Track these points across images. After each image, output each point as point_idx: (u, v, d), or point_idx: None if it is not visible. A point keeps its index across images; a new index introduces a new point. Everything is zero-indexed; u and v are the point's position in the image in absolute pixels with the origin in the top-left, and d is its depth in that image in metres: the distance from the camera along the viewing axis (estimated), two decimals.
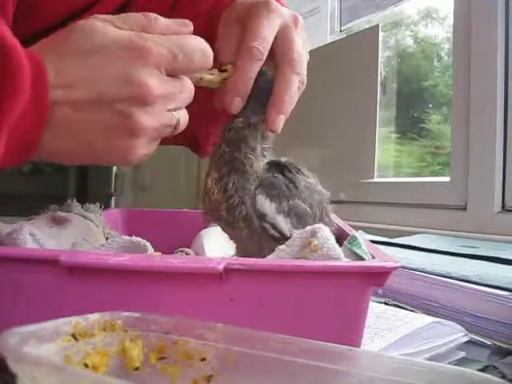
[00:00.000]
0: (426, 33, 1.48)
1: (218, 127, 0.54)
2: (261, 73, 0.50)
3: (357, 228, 0.60)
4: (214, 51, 0.49)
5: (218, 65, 0.50)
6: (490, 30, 1.04)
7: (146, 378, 0.30)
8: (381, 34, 1.43)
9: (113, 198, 2.93)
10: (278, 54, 0.50)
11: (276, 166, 0.52)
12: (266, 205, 0.49)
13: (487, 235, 0.99)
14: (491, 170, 1.03)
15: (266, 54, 0.49)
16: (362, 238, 0.46)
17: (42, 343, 0.26)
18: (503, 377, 0.46)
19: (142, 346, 0.30)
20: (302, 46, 0.52)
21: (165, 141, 0.54)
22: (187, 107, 0.46)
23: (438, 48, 1.42)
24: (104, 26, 0.39)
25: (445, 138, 1.32)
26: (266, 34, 0.49)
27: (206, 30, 0.58)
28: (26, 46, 0.38)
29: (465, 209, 1.09)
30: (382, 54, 1.45)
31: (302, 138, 1.60)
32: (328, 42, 1.59)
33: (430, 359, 0.46)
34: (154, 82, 0.39)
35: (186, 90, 0.43)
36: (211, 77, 0.48)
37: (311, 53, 0.54)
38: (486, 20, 1.05)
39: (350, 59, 1.48)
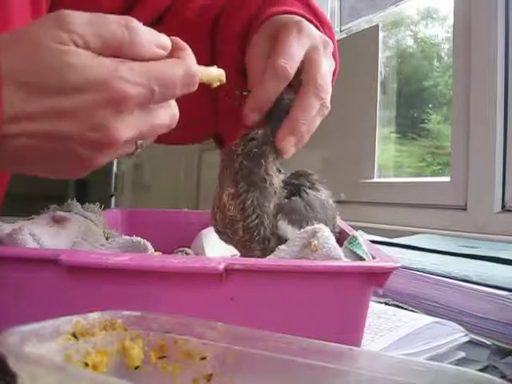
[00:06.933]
0: (426, 33, 1.48)
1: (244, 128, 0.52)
2: (287, 92, 0.48)
3: (357, 228, 0.60)
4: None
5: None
6: (489, 30, 1.04)
7: (146, 376, 0.30)
8: (381, 34, 1.43)
9: (113, 198, 2.93)
10: (303, 76, 0.49)
11: (291, 185, 0.51)
12: (289, 230, 0.48)
13: (487, 235, 1.00)
14: (491, 170, 1.03)
15: (292, 72, 0.48)
16: (362, 238, 0.46)
17: (42, 342, 0.26)
18: (503, 377, 0.46)
19: (142, 344, 0.30)
20: (328, 70, 0.51)
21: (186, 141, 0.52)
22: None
23: (438, 48, 1.42)
24: (77, 55, 0.33)
25: (445, 138, 1.32)
26: (294, 53, 0.48)
27: (239, 45, 0.57)
28: None
29: (465, 209, 1.09)
30: (382, 54, 1.45)
31: None
32: None
33: (429, 359, 0.46)
34: (124, 128, 0.35)
35: (159, 121, 0.38)
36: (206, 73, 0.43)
37: None
38: (485, 20, 1.05)
39: (350, 59, 1.48)
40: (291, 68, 0.47)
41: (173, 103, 0.39)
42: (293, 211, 0.48)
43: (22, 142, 0.35)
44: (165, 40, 0.37)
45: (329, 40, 0.52)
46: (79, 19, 0.34)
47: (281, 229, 0.48)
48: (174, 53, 0.37)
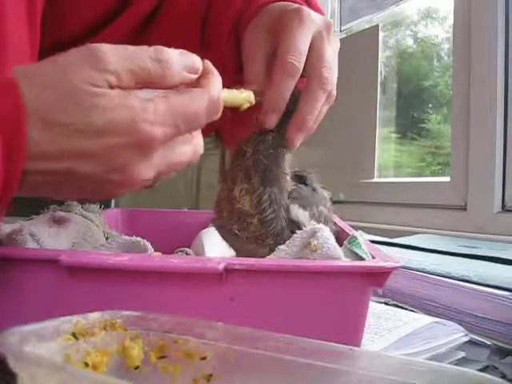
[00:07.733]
0: (426, 33, 1.48)
1: (244, 128, 0.52)
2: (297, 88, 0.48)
3: (357, 228, 0.60)
4: (240, 63, 0.48)
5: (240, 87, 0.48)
6: (489, 30, 1.04)
7: (146, 376, 0.30)
8: (381, 34, 1.43)
9: (113, 198, 2.93)
10: (308, 69, 0.48)
11: (296, 177, 0.52)
12: (300, 213, 0.49)
13: (487, 235, 1.00)
14: (491, 170, 1.03)
15: (301, 68, 0.47)
16: (362, 237, 0.46)
17: (42, 342, 0.26)
18: (503, 377, 0.46)
19: (142, 344, 0.30)
20: (333, 57, 0.50)
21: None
22: None
23: (438, 48, 1.42)
24: (105, 97, 0.33)
25: (445, 138, 1.32)
26: (301, 46, 0.47)
27: (231, 42, 0.56)
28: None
29: (465, 209, 1.09)
30: (382, 54, 1.45)
31: None
32: None
33: (429, 359, 0.46)
34: (145, 169, 0.36)
35: (180, 158, 0.38)
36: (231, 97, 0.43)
37: None
38: (486, 20, 1.05)
39: (350, 59, 1.48)
40: (299, 63, 0.47)
41: (198, 140, 0.39)
42: (301, 196, 0.50)
43: (41, 179, 0.35)
44: (195, 63, 0.37)
45: (330, 21, 0.51)
46: (114, 56, 0.33)
47: (292, 212, 0.48)
48: (202, 76, 0.38)
